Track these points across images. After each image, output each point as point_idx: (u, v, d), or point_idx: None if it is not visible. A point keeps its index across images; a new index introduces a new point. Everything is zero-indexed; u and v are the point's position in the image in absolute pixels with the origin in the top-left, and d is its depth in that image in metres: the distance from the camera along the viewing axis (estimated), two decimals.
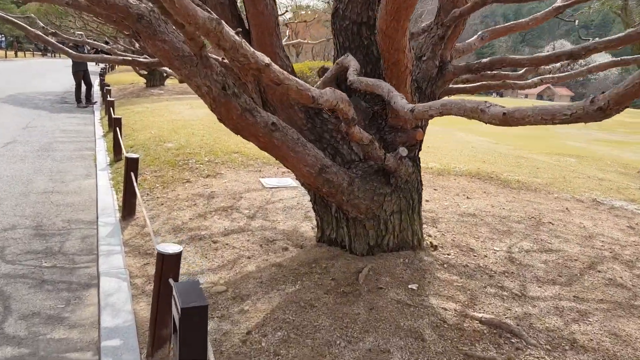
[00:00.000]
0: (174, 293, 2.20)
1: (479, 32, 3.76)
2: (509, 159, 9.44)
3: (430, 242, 4.06)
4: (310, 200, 3.97)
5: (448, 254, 3.92)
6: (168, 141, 8.22)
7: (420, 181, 3.80)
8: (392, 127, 3.52)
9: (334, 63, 3.93)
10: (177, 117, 10.96)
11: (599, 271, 3.91)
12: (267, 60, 2.03)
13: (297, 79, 2.25)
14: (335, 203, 3.52)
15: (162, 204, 5.32)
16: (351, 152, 3.59)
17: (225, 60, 3.22)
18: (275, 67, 2.08)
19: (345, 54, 3.31)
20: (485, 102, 1.82)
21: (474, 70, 3.45)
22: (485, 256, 3.97)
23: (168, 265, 2.68)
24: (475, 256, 3.95)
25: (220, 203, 5.28)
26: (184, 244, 4.24)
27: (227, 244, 4.21)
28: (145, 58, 4.13)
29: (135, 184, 4.76)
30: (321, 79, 3.51)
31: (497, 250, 4.13)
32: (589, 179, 8.11)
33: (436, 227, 4.57)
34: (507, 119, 1.68)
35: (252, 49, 1.95)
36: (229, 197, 5.47)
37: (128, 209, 5.00)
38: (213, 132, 9.22)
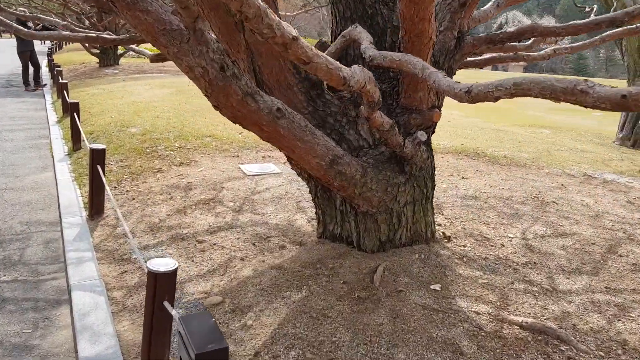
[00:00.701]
0: (183, 331, 1.74)
1: None
2: (488, 133, 9.22)
3: (443, 233, 3.70)
4: (310, 192, 3.53)
5: (464, 246, 3.58)
6: (131, 126, 7.54)
7: (434, 167, 3.42)
8: (404, 107, 3.10)
9: (331, 35, 3.46)
10: (137, 98, 10.18)
11: (620, 255, 3.67)
12: (294, 32, 1.55)
13: (326, 55, 1.79)
14: (345, 197, 3.10)
15: (134, 199, 4.76)
16: (359, 137, 3.16)
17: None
18: (303, 41, 1.61)
19: (354, 25, 2.84)
20: (586, 80, 1.42)
21: (497, 41, 3.06)
22: (502, 245, 3.66)
23: (162, 285, 2.22)
24: (492, 246, 3.63)
25: (200, 195, 4.76)
26: (165, 246, 3.74)
27: (215, 244, 3.74)
28: (109, 34, 3.53)
29: (103, 178, 4.19)
30: (324, 54, 3.03)
31: (512, 237, 3.82)
32: (572, 152, 7.98)
33: (442, 214, 4.23)
34: (628, 103, 1.29)
35: (277, 18, 1.48)
36: (208, 188, 4.95)
37: (96, 206, 4.42)
38: (179, 113, 8.56)
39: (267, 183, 5.15)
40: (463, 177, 5.60)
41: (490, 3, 3.34)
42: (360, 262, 3.23)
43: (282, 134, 2.53)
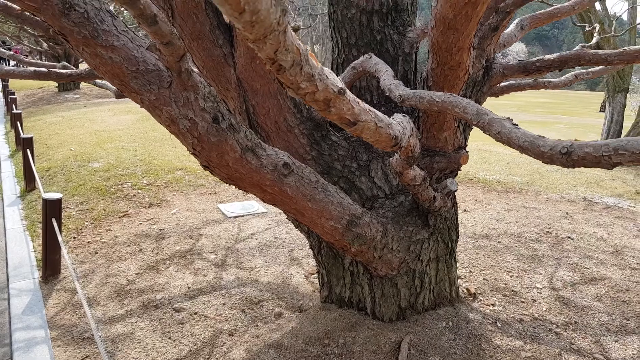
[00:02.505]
0: None
1: (516, 20, 2.93)
2: (473, 154, 8.88)
3: (467, 289, 3.20)
4: (311, 248, 2.97)
5: (492, 305, 3.08)
6: (93, 159, 6.82)
7: (457, 213, 2.92)
8: (426, 149, 2.60)
9: (332, 64, 2.95)
10: (100, 126, 9.42)
11: None
12: (339, 83, 1.02)
13: (375, 110, 1.26)
14: (363, 261, 2.55)
15: (96, 252, 4.09)
16: (372, 185, 2.63)
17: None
18: (350, 95, 1.08)
19: (367, 55, 2.33)
20: None
21: (533, 70, 2.61)
22: (534, 300, 3.17)
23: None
24: (523, 302, 3.14)
25: (175, 246, 4.13)
26: (135, 317, 3.10)
27: (196, 313, 3.13)
28: (65, 67, 2.91)
29: (59, 235, 3.52)
30: None
31: (541, 289, 3.35)
32: (562, 172, 7.69)
33: (458, 261, 3.73)
34: None
35: (319, 64, 0.94)
36: (184, 236, 4.32)
37: (51, 266, 3.74)
38: (146, 143, 7.88)
39: (252, 226, 4.56)
40: (465, 210, 5.15)
41: (513, 25, 2.89)
42: (378, 335, 2.67)
43: (289, 194, 1.98)
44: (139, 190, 5.55)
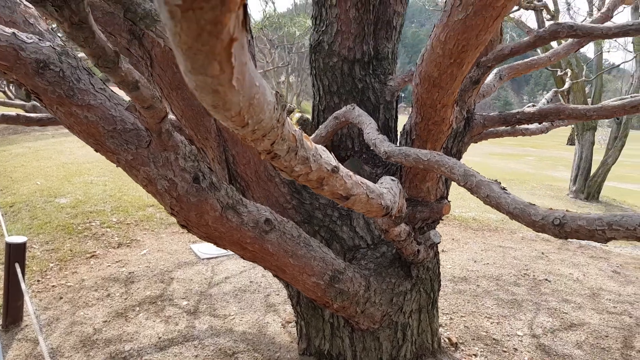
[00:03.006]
0: None
1: (495, 70, 2.96)
2: None
3: (449, 339, 3.13)
4: (289, 298, 2.87)
5: (474, 355, 3.01)
6: (60, 195, 6.58)
7: (439, 263, 2.88)
8: (408, 199, 2.56)
9: (313, 110, 2.92)
10: (67, 158, 9.16)
11: (639, 351, 3.24)
12: (333, 160, 0.97)
13: (365, 180, 1.21)
14: (344, 316, 2.47)
15: (61, 297, 3.87)
16: (354, 235, 2.57)
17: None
18: (343, 170, 1.03)
19: (350, 106, 2.30)
20: None
21: (513, 122, 2.62)
22: (515, 349, 3.12)
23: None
24: (505, 352, 3.08)
25: (145, 291, 3.96)
26: None
27: None
28: (35, 107, 2.78)
29: (22, 281, 3.32)
30: (310, 138, 2.45)
31: (522, 336, 3.30)
32: None
33: (439, 308, 3.67)
34: None
35: (314, 145, 0.89)
36: (155, 280, 4.15)
37: (12, 314, 3.51)
38: (116, 177, 7.68)
39: (226, 269, 4.42)
40: (443, 250, 5.12)
41: (492, 75, 2.93)
42: None
43: (270, 251, 1.90)
44: (108, 229, 5.35)
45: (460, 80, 1.86)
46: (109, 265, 4.45)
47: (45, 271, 4.38)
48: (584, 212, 7.85)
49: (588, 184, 9.59)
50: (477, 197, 1.60)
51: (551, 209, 1.40)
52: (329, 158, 0.96)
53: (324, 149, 0.98)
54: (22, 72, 1.24)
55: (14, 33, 1.24)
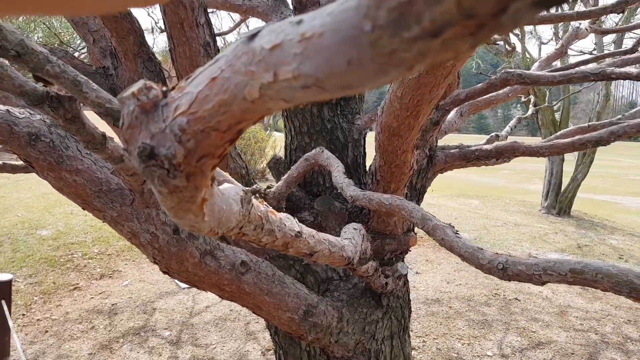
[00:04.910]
0: None
1: (456, 108, 3.18)
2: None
3: None
4: (268, 328, 3.00)
5: None
6: (42, 227, 6.61)
7: (409, 290, 3.04)
8: (376, 232, 2.73)
9: (286, 149, 3.08)
10: (47, 189, 9.08)
11: None
12: (296, 226, 1.13)
13: (327, 235, 1.37)
14: (319, 346, 2.61)
15: (47, 331, 3.93)
16: (327, 267, 2.73)
17: None
18: (306, 230, 1.19)
19: (319, 149, 2.47)
20: None
21: (472, 158, 2.83)
22: None
23: None
24: None
25: (128, 322, 4.04)
26: None
27: None
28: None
29: (9, 317, 3.39)
30: (282, 178, 2.62)
31: (491, 356, 3.48)
32: (507, 227, 8.06)
33: (412, 330, 3.83)
34: None
35: (278, 215, 1.05)
36: (137, 311, 4.23)
37: None
38: None
39: (206, 298, 4.52)
40: (417, 272, 5.30)
41: (453, 113, 3.14)
42: None
43: (247, 291, 2.04)
44: (90, 260, 5.41)
45: (417, 129, 2.05)
46: (92, 297, 4.52)
47: (30, 305, 4.43)
48: (556, 227, 8.14)
49: (559, 199, 9.91)
50: (433, 239, 1.78)
51: (497, 253, 1.57)
52: (292, 224, 1.12)
53: (288, 216, 1.14)
54: (16, 144, 1.38)
55: (7, 110, 1.39)
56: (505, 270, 1.46)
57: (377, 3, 0.23)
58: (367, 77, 0.26)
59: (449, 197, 11.62)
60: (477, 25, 0.19)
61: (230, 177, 1.31)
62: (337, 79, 0.28)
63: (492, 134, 3.85)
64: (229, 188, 0.87)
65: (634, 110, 4.07)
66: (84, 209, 1.58)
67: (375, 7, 0.23)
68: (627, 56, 2.77)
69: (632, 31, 3.93)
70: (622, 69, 2.33)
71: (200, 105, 0.44)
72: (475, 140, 3.77)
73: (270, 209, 1.08)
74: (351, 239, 1.57)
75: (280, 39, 0.32)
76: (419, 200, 3.08)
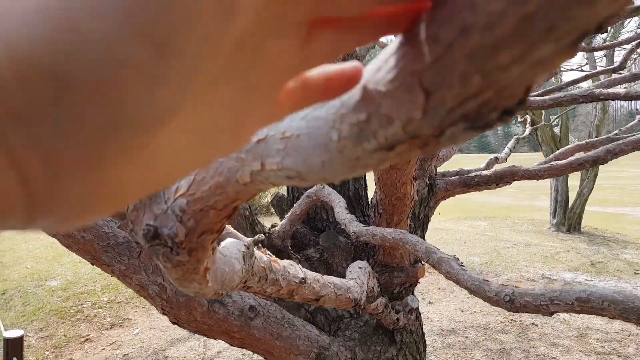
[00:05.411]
0: None
1: None
2: (430, 233, 9.13)
3: None
4: None
5: None
6: (51, 277, 6.62)
7: (422, 324, 3.01)
8: (383, 265, 2.73)
9: (288, 188, 3.12)
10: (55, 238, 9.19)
11: None
12: (300, 272, 1.15)
13: (332, 278, 1.39)
14: None
15: None
16: None
17: None
18: (310, 275, 1.21)
19: (321, 185, 2.51)
20: None
21: (472, 185, 2.86)
22: None
23: None
24: None
25: None
26: None
27: None
28: None
29: None
30: (286, 217, 2.65)
31: None
32: (518, 248, 7.99)
33: None
34: None
35: (281, 264, 1.07)
36: None
37: None
38: None
39: (218, 344, 4.47)
40: (430, 302, 5.25)
41: None
42: None
43: (256, 336, 2.03)
44: (100, 310, 5.39)
45: (414, 161, 2.08)
46: (103, 349, 4.49)
47: None
48: (567, 245, 8.06)
49: (568, 215, 9.85)
50: (439, 272, 1.78)
51: (502, 284, 1.58)
52: (296, 271, 1.14)
53: (292, 262, 1.16)
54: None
55: None
56: (512, 302, 1.47)
57: (341, 117, 0.26)
58: (340, 174, 0.29)
59: (456, 220, 11.56)
60: (422, 143, 0.22)
61: (231, 230, 1.34)
62: (315, 175, 0.31)
63: (491, 157, 3.87)
64: (231, 245, 0.90)
65: (630, 124, 4.11)
66: (92, 264, 1.61)
67: (340, 121, 0.26)
68: (614, 76, 2.82)
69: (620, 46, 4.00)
70: (610, 90, 2.38)
71: (198, 186, 0.47)
72: (477, 160, 3.78)
73: (274, 257, 1.10)
74: (356, 278, 1.58)
75: (265, 133, 0.35)
76: (423, 230, 3.09)
